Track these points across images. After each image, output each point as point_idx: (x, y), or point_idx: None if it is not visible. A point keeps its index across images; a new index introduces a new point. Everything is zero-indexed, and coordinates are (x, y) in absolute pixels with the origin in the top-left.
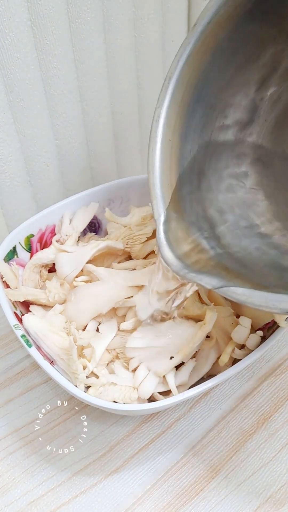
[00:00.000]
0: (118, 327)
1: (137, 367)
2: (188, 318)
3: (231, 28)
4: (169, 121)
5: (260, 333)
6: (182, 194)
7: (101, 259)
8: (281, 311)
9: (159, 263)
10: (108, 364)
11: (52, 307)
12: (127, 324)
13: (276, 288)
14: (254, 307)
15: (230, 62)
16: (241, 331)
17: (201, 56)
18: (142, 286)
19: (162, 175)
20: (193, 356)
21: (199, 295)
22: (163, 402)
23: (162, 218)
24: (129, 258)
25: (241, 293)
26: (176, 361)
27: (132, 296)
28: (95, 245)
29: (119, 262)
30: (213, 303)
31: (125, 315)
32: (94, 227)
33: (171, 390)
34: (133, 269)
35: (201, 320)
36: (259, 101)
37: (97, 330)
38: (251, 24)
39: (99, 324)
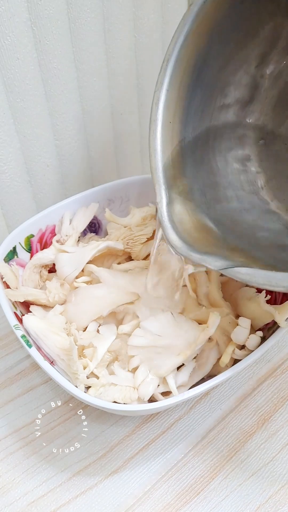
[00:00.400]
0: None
1: (137, 367)
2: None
3: (228, 5)
4: (169, 103)
5: (260, 333)
6: (186, 176)
7: (101, 259)
8: (285, 289)
9: (156, 250)
10: (107, 365)
11: (52, 307)
12: (125, 327)
13: (284, 266)
14: (258, 286)
15: (228, 40)
16: (241, 332)
17: (199, 36)
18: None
19: (164, 158)
20: (194, 357)
21: (197, 299)
22: (163, 403)
23: (164, 201)
24: (129, 258)
25: (245, 272)
26: (177, 363)
27: (133, 302)
28: (95, 245)
29: (119, 263)
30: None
31: (123, 318)
32: (94, 227)
33: (172, 391)
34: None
35: (201, 323)
36: (260, 78)
37: (97, 331)
38: (248, 1)
39: (99, 326)
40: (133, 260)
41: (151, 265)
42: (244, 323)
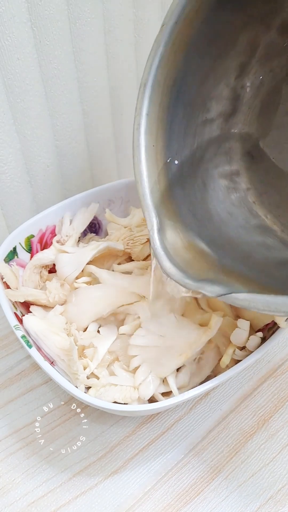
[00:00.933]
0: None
1: (137, 367)
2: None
3: (201, 21)
4: (150, 127)
5: (260, 334)
6: (175, 199)
7: (101, 260)
8: (285, 314)
9: (155, 273)
10: (108, 365)
11: (53, 307)
12: (126, 328)
13: (282, 284)
14: (258, 311)
15: (205, 55)
16: (240, 334)
17: (174, 55)
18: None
19: (151, 183)
20: (194, 359)
21: (197, 302)
22: (163, 403)
23: (156, 228)
24: (130, 259)
25: (243, 298)
26: (179, 364)
27: (133, 303)
28: (95, 246)
29: (119, 263)
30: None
31: (124, 319)
32: (95, 228)
33: (172, 391)
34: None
35: (203, 326)
36: (240, 89)
37: (98, 332)
38: (220, 14)
39: (100, 327)
40: (133, 260)
41: (152, 287)
42: (243, 325)
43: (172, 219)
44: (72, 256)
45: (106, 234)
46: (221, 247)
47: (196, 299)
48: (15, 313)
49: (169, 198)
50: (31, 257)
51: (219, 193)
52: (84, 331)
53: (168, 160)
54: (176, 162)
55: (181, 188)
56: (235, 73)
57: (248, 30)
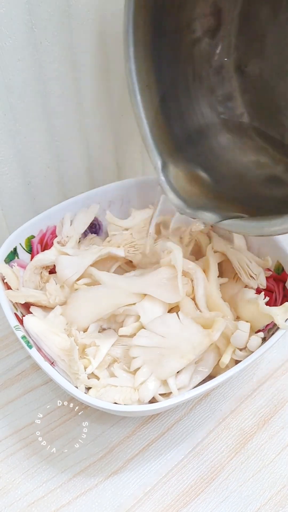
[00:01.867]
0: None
1: (138, 369)
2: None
3: None
4: (140, 68)
5: (261, 334)
6: (175, 133)
7: (102, 261)
8: (254, 234)
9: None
10: (108, 366)
11: (53, 308)
12: (125, 330)
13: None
14: (237, 233)
15: None
16: (240, 336)
17: None
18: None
19: (150, 124)
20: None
21: (195, 303)
22: (163, 403)
23: (159, 165)
24: (130, 261)
25: (227, 223)
26: (180, 366)
27: (134, 304)
28: (96, 250)
29: (119, 266)
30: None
31: (123, 321)
32: (95, 229)
33: (172, 391)
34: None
35: (203, 326)
36: (220, 2)
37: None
38: None
39: (100, 327)
40: (132, 262)
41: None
42: (244, 327)
43: (173, 154)
44: (73, 259)
45: (107, 234)
46: (219, 171)
47: (193, 300)
48: (15, 313)
49: (170, 134)
50: (32, 257)
51: (216, 121)
52: (84, 332)
53: (162, 95)
54: (170, 94)
55: (178, 119)
56: None
57: None
